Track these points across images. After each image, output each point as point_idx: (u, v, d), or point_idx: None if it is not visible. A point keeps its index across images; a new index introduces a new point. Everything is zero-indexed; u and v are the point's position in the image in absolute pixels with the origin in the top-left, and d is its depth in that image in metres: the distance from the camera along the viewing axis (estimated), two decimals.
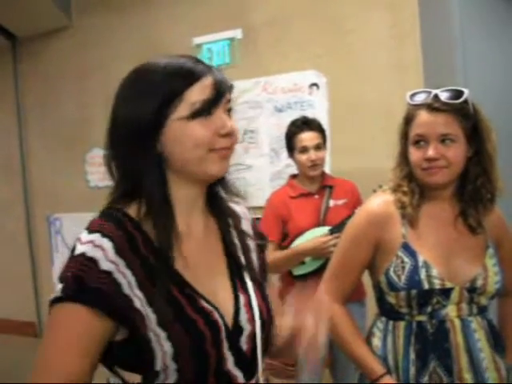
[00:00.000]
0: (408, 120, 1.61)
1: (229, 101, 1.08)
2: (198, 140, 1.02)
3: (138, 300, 0.97)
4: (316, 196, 2.73)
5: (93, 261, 0.96)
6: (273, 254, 2.67)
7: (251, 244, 1.21)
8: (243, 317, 1.07)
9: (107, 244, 0.98)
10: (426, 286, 1.53)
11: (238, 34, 3.71)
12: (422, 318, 1.56)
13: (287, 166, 3.33)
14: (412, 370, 1.56)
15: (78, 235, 1.01)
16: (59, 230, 4.73)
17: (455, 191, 1.64)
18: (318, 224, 2.67)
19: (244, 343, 1.06)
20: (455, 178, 1.60)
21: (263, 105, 3.62)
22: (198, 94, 1.02)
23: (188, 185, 1.08)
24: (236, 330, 1.05)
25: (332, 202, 2.72)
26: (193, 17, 3.86)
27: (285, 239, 2.70)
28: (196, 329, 0.99)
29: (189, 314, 0.99)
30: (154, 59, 1.07)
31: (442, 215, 1.64)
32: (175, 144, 1.02)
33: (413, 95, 1.60)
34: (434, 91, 1.56)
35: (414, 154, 1.58)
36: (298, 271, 2.67)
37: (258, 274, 1.18)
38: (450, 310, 1.55)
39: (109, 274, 0.96)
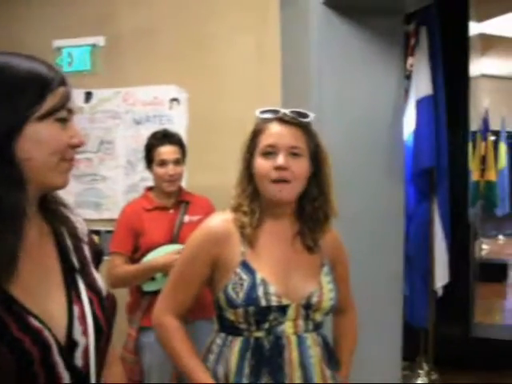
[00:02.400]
0: (256, 132, 1.66)
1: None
2: (55, 146, 0.99)
3: None
4: (171, 211, 2.71)
5: None
6: (122, 268, 2.61)
7: (88, 254, 1.17)
8: (77, 330, 1.01)
9: None
10: (264, 302, 1.57)
11: (100, 41, 3.62)
12: (260, 334, 1.60)
13: (143, 179, 3.28)
14: None
15: None
16: None
17: (294, 211, 1.71)
18: (171, 239, 2.65)
19: (79, 358, 1.00)
20: (296, 196, 1.67)
21: (122, 116, 3.54)
22: (55, 100, 0.99)
23: (31, 193, 1.01)
24: (70, 345, 0.99)
25: (187, 218, 2.71)
26: (56, 19, 3.68)
27: (136, 252, 2.65)
28: (22, 349, 0.91)
29: (14, 333, 0.91)
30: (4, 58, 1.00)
31: (281, 234, 1.69)
32: (30, 146, 0.97)
33: (262, 112, 1.67)
34: (283, 110, 1.64)
35: (262, 164, 1.62)
36: (148, 287, 2.62)
37: (98, 284, 1.13)
38: (287, 327, 1.60)
39: None
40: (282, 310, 1.59)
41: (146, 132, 3.02)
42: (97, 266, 1.20)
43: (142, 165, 2.89)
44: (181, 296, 1.70)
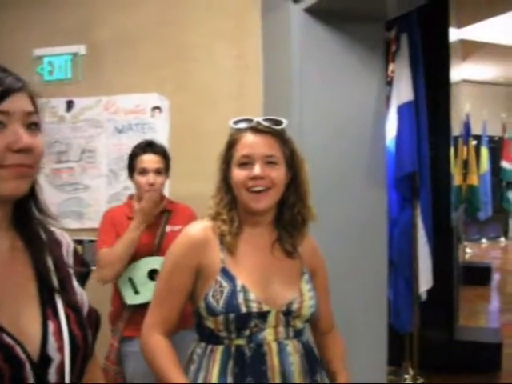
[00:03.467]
0: (231, 143, 1.67)
1: (30, 114, 1.01)
2: None
3: None
4: (153, 220, 2.68)
5: None
6: (107, 251, 2.56)
7: (71, 270, 1.14)
8: (52, 346, 0.99)
9: None
10: (244, 309, 1.56)
11: (81, 49, 3.60)
12: (241, 341, 1.59)
13: (125, 188, 3.26)
14: None
15: None
16: None
17: (274, 217, 1.72)
18: (153, 249, 2.63)
19: (53, 374, 0.98)
20: (275, 203, 1.68)
21: (104, 124, 3.51)
22: None
23: None
24: (43, 362, 0.97)
25: (169, 228, 2.68)
26: (36, 27, 3.66)
27: None
28: None
29: None
30: None
31: (260, 241, 1.70)
32: None
33: (236, 122, 1.68)
34: (256, 119, 1.65)
35: (239, 175, 1.63)
36: (132, 301, 2.58)
37: (78, 301, 1.10)
38: (268, 334, 1.60)
39: None
40: (263, 316, 1.59)
41: (128, 141, 3.00)
42: (83, 283, 1.18)
43: (124, 174, 2.87)
44: (167, 310, 1.67)
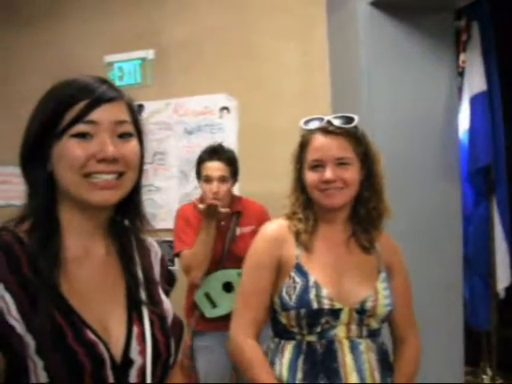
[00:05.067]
0: (303, 145, 1.66)
1: (121, 123, 1.03)
2: (71, 162, 0.99)
3: (19, 325, 0.91)
4: (222, 223, 2.66)
5: None
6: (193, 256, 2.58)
7: (158, 278, 1.18)
8: (134, 349, 1.02)
9: None
10: (315, 305, 1.55)
11: (150, 54, 3.68)
12: (312, 338, 1.58)
13: (196, 188, 3.30)
14: None
15: None
16: None
17: (349, 214, 1.69)
18: (223, 252, 2.63)
19: (134, 377, 1.01)
20: (351, 200, 1.65)
21: (173, 127, 3.59)
22: (72, 115, 0.99)
23: (79, 208, 1.03)
24: (125, 363, 1.00)
25: (239, 230, 2.68)
26: (105, 35, 3.79)
27: None
28: (75, 360, 0.93)
29: (70, 343, 0.94)
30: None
31: (335, 238, 1.68)
32: (57, 165, 1.00)
33: (307, 122, 1.65)
34: (327, 117, 1.62)
35: (311, 177, 1.62)
36: (210, 314, 2.61)
37: (163, 309, 1.13)
38: (339, 331, 1.58)
39: None
40: (335, 313, 1.57)
41: (197, 141, 3.03)
42: (167, 292, 1.21)
43: (194, 174, 2.91)
44: (255, 309, 1.66)
